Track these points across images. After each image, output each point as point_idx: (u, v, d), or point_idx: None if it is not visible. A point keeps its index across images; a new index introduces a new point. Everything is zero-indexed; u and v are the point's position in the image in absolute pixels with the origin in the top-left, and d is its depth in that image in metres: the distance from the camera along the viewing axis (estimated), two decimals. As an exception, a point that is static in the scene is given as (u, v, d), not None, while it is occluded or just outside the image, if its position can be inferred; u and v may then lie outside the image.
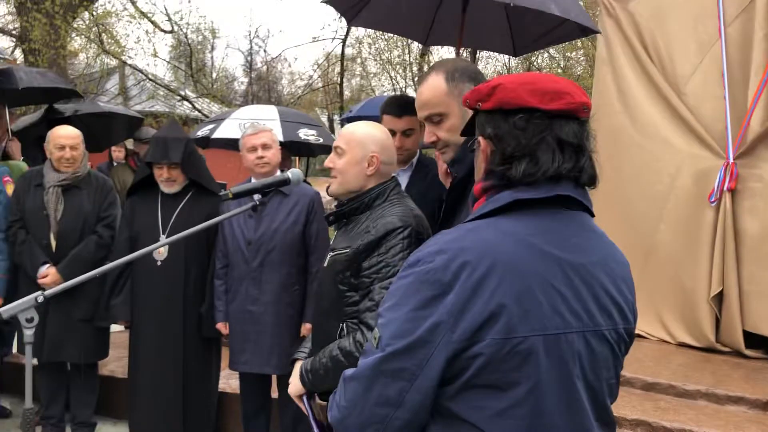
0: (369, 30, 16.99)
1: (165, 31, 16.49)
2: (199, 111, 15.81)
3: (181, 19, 17.09)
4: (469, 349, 1.22)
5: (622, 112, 5.76)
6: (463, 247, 1.25)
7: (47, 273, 3.88)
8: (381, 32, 16.53)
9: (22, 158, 4.99)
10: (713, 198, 5.12)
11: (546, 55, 16.03)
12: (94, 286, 3.84)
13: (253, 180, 3.65)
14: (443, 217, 2.03)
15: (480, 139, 1.40)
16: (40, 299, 1.86)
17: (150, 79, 16.13)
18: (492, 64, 18.12)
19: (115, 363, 4.68)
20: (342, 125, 14.39)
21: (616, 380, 1.40)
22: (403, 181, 2.94)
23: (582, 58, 15.87)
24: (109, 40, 15.37)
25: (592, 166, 1.36)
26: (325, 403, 2.14)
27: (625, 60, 5.75)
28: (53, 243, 3.95)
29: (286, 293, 3.61)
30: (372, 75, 20.69)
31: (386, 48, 18.32)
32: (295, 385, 2.23)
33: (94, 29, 15.02)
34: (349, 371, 1.35)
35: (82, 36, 15.09)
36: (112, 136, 6.64)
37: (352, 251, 2.15)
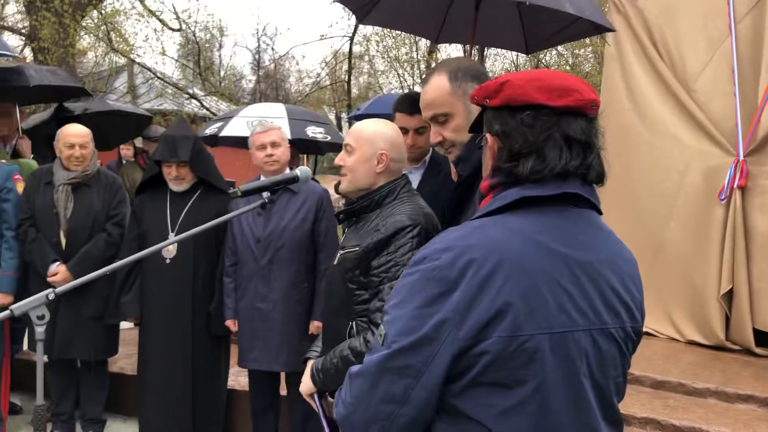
0: (377, 28, 16.98)
1: (173, 30, 16.54)
2: (207, 109, 15.85)
3: (189, 17, 17.18)
4: (475, 347, 1.22)
5: (631, 109, 5.74)
6: (470, 245, 1.25)
7: (57, 271, 3.90)
8: (389, 30, 16.52)
9: (32, 156, 5.01)
10: (723, 195, 5.10)
11: (554, 52, 15.97)
12: (104, 284, 3.86)
13: (262, 178, 3.66)
14: (450, 214, 2.03)
15: (487, 136, 1.40)
16: (51, 296, 1.87)
17: (158, 78, 16.18)
18: (500, 61, 18.10)
19: (125, 360, 4.70)
20: (350, 123, 14.40)
21: (623, 379, 1.39)
22: (416, 179, 2.92)
23: (590, 56, 15.82)
24: (118, 39, 15.43)
25: (600, 164, 1.36)
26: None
27: (634, 57, 5.73)
28: (63, 241, 3.97)
29: (295, 291, 3.61)
30: (380, 73, 20.69)
31: (394, 46, 18.31)
32: (306, 384, 2.24)
33: (102, 28, 15.08)
34: (354, 368, 1.35)
35: (91, 34, 15.15)
36: (121, 134, 6.66)
37: (362, 249, 2.15)
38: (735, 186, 5.06)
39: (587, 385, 1.28)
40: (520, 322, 1.21)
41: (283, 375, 3.82)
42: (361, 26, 16.51)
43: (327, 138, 6.05)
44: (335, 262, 2.30)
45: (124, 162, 7.38)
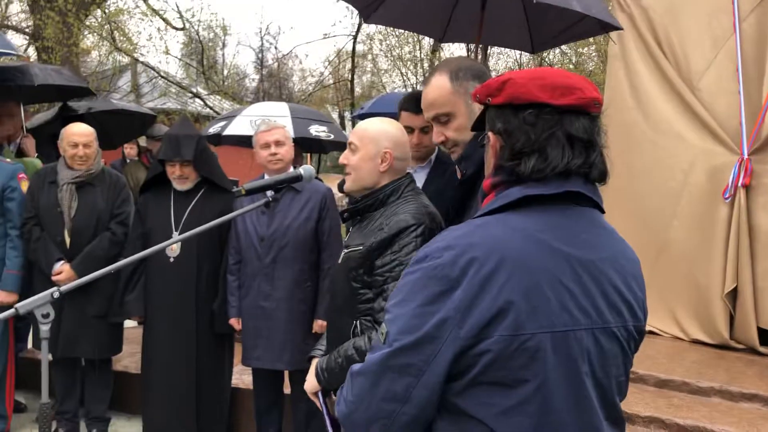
0: (380, 26, 16.99)
1: (176, 29, 16.58)
2: (211, 108, 15.88)
3: (193, 16, 17.23)
4: (476, 346, 1.21)
5: (634, 107, 5.73)
6: (472, 243, 1.25)
7: (61, 270, 3.91)
8: (392, 29, 16.52)
9: (36, 155, 5.02)
10: (727, 194, 5.09)
11: (558, 50, 15.96)
12: (108, 283, 3.87)
13: (266, 176, 3.66)
14: (453, 213, 2.02)
15: (489, 134, 1.39)
16: (56, 295, 1.87)
17: (162, 77, 16.23)
18: (503, 60, 18.09)
19: (129, 359, 4.72)
20: (353, 122, 14.40)
21: (625, 378, 1.39)
22: (422, 178, 2.92)
23: (594, 54, 15.80)
24: (121, 38, 15.47)
25: (602, 162, 1.35)
26: (338, 399, 2.15)
27: (638, 55, 5.72)
28: (67, 240, 3.97)
29: (298, 289, 3.62)
30: (383, 71, 20.71)
31: (397, 44, 18.33)
32: (310, 383, 2.24)
33: (106, 27, 15.12)
34: (356, 366, 1.35)
35: (95, 34, 15.19)
36: (125, 133, 6.68)
37: (366, 248, 2.15)
38: (739, 185, 5.05)
39: (589, 384, 1.28)
40: (522, 321, 1.21)
41: (286, 373, 3.83)
42: (364, 25, 16.51)
43: (330, 137, 6.06)
44: (339, 261, 2.30)
45: (128, 161, 7.39)
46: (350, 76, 17.14)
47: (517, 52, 15.01)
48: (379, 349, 1.29)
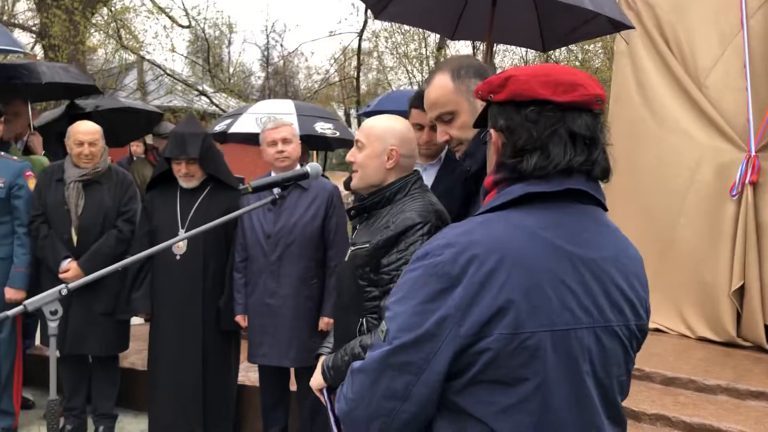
0: (386, 24, 16.97)
1: (182, 27, 16.61)
2: (217, 106, 15.90)
3: (199, 14, 17.25)
4: (476, 344, 1.21)
5: (641, 104, 5.71)
6: (473, 241, 1.24)
7: (69, 267, 3.92)
8: (398, 26, 16.51)
9: (43, 153, 5.04)
10: (735, 191, 5.07)
11: (564, 48, 15.89)
12: (115, 280, 3.88)
13: (273, 174, 3.67)
14: (458, 211, 2.02)
15: (491, 131, 1.39)
16: (64, 292, 1.88)
17: (168, 75, 16.26)
18: (509, 57, 18.04)
19: (136, 356, 4.73)
20: (359, 120, 14.40)
21: (627, 377, 1.38)
22: (432, 175, 2.90)
23: (600, 51, 15.75)
24: (128, 36, 15.51)
25: (605, 160, 1.34)
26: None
27: (645, 52, 5.70)
28: (74, 238, 3.99)
29: (304, 287, 3.62)
30: (388, 69, 20.68)
31: (403, 42, 18.30)
32: (316, 380, 2.24)
33: (112, 25, 15.16)
34: (356, 363, 1.34)
35: (101, 32, 15.23)
36: (132, 131, 6.69)
37: (372, 246, 2.15)
38: (746, 182, 5.03)
39: (590, 383, 1.27)
40: (522, 320, 1.20)
41: (292, 370, 3.83)
42: (369, 22, 16.51)
43: (336, 134, 6.05)
44: (346, 259, 2.31)
45: (134, 159, 7.41)
46: (356, 73, 17.14)
47: (523, 49, 14.98)
48: (379, 346, 1.29)
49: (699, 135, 5.35)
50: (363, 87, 19.39)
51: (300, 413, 3.82)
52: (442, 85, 2.06)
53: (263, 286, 3.65)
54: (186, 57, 19.22)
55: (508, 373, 1.21)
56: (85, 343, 4.01)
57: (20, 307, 1.85)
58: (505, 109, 1.34)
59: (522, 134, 1.30)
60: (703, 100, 5.35)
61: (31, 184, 4.08)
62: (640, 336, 1.38)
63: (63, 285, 1.91)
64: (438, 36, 16.48)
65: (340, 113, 19.60)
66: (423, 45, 18.16)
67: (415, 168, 2.35)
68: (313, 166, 2.47)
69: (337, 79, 19.66)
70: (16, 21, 15.99)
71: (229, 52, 23.53)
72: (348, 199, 5.37)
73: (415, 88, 15.23)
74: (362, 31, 16.32)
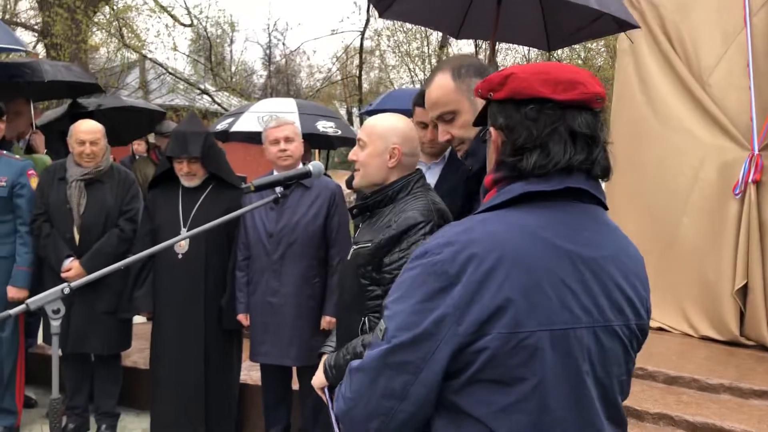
0: (388, 22, 16.96)
1: (184, 25, 16.61)
2: (219, 104, 15.91)
3: (201, 12, 17.26)
4: (474, 343, 1.20)
5: (644, 103, 5.70)
6: (472, 239, 1.24)
7: (71, 266, 3.93)
8: (400, 24, 16.50)
9: (45, 152, 5.04)
10: (738, 190, 5.06)
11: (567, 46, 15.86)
12: (117, 279, 3.88)
13: (275, 173, 3.67)
14: (460, 210, 2.01)
15: (491, 129, 1.38)
16: (67, 291, 1.88)
17: (170, 73, 16.27)
18: (512, 55, 18.03)
19: (138, 354, 4.73)
20: (361, 119, 14.39)
21: (627, 377, 1.37)
22: (436, 174, 2.89)
23: (603, 50, 15.73)
24: (130, 35, 15.52)
25: (605, 158, 1.33)
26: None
27: (648, 51, 5.68)
28: (76, 237, 3.99)
29: (306, 285, 3.62)
30: (391, 67, 20.68)
31: (405, 40, 18.30)
32: (319, 378, 2.24)
33: (114, 23, 15.17)
34: (355, 362, 1.34)
35: (103, 30, 15.24)
36: (135, 130, 6.70)
37: (374, 245, 2.14)
38: (750, 180, 5.02)
39: (590, 383, 1.26)
40: (521, 319, 1.19)
41: (294, 369, 3.83)
42: (372, 21, 16.51)
43: (338, 132, 6.05)
44: (348, 258, 2.30)
45: (137, 157, 7.42)
46: (358, 72, 17.12)
47: (526, 47, 14.95)
48: (377, 345, 1.28)
49: (702, 134, 5.33)
50: (365, 86, 19.40)
51: (302, 412, 3.82)
52: (442, 84, 2.05)
53: (265, 285, 3.65)
54: (188, 55, 19.22)
55: (507, 373, 1.21)
56: (88, 341, 4.01)
57: (23, 306, 1.85)
58: (505, 108, 1.33)
59: (522, 132, 1.30)
60: (706, 98, 5.34)
61: (34, 182, 4.08)
62: (640, 336, 1.37)
63: (65, 284, 1.90)
64: (440, 34, 16.48)
65: (342, 112, 19.61)
66: (425, 43, 18.16)
67: (417, 167, 2.34)
68: (315, 164, 2.46)
69: (339, 77, 19.66)
70: (18, 20, 16.00)
71: (231, 51, 23.55)
72: (350, 197, 5.37)
73: (417, 86, 15.22)
74: (364, 29, 16.31)
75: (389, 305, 1.29)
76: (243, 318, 3.76)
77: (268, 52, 23.32)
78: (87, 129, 4.02)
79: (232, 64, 22.72)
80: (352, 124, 16.52)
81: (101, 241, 3.98)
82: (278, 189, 2.52)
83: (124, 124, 6.12)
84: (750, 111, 5.08)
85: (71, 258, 3.95)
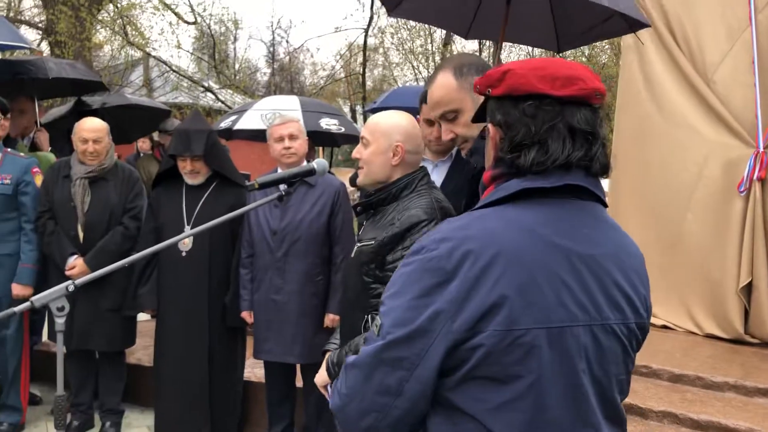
0: (391, 20, 16.95)
1: (188, 23, 16.62)
2: (223, 102, 15.91)
3: (204, 10, 17.26)
4: (469, 340, 1.19)
5: (648, 100, 5.68)
6: (468, 236, 1.23)
7: (75, 264, 3.94)
8: (403, 22, 16.48)
9: (49, 149, 5.05)
10: (742, 187, 5.04)
11: (571, 43, 15.81)
12: (121, 277, 3.89)
13: (280, 170, 3.67)
14: (464, 207, 2.01)
15: (490, 126, 1.37)
16: (71, 288, 1.88)
17: (174, 71, 16.27)
18: (515, 52, 17.98)
19: (142, 351, 4.74)
20: (365, 116, 14.38)
21: (626, 376, 1.35)
22: (442, 172, 2.88)
23: (607, 46, 15.69)
24: (133, 32, 15.52)
25: (604, 155, 1.32)
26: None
27: (653, 47, 5.66)
28: (80, 234, 4.00)
29: (310, 283, 3.62)
30: (394, 65, 20.65)
31: (409, 38, 18.28)
32: (321, 376, 2.24)
33: (118, 21, 15.18)
34: (350, 358, 1.33)
35: (107, 28, 15.25)
36: (140, 127, 6.70)
37: (377, 243, 2.14)
38: (754, 178, 5.00)
39: (586, 381, 1.25)
40: (516, 316, 1.19)
41: (298, 366, 3.83)
42: (375, 18, 16.50)
43: (341, 130, 6.04)
44: (352, 255, 2.30)
45: (141, 155, 7.43)
46: (362, 69, 17.10)
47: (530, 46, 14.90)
48: (373, 341, 1.28)
49: (707, 131, 5.32)
50: (369, 83, 19.37)
51: (306, 409, 3.83)
52: (444, 83, 2.05)
53: (269, 283, 3.65)
54: (192, 53, 19.23)
55: (502, 370, 1.20)
56: (92, 339, 4.02)
57: (27, 304, 1.85)
58: (503, 104, 1.33)
59: (520, 129, 1.29)
60: (710, 95, 5.32)
61: (38, 180, 4.09)
62: (640, 335, 1.35)
63: (70, 281, 1.91)
64: (444, 32, 16.46)
65: (346, 109, 19.60)
66: (429, 41, 18.14)
67: (422, 164, 2.34)
68: (319, 162, 2.46)
69: (342, 75, 19.64)
70: (22, 17, 16.01)
71: (234, 49, 23.54)
72: (354, 195, 5.36)
73: (422, 84, 15.21)
74: (368, 26, 16.29)
75: (385, 301, 1.29)
76: (247, 315, 3.76)
77: (271, 49, 23.32)
78: (90, 127, 4.03)
79: (236, 61, 22.72)
80: (355, 121, 16.52)
81: (105, 239, 3.99)
82: (282, 186, 2.51)
83: (128, 122, 6.12)
84: (755, 108, 5.06)
85: (75, 256, 3.96)
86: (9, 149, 4.13)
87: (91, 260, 3.92)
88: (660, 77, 5.62)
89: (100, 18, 14.44)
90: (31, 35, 15.26)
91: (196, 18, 16.63)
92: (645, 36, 5.65)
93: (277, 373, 3.82)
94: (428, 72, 18.51)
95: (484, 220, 1.27)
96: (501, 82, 1.32)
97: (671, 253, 5.34)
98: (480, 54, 16.02)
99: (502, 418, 1.21)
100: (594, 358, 1.26)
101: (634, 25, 3.66)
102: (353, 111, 19.34)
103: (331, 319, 3.61)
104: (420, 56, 18.77)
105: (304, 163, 3.65)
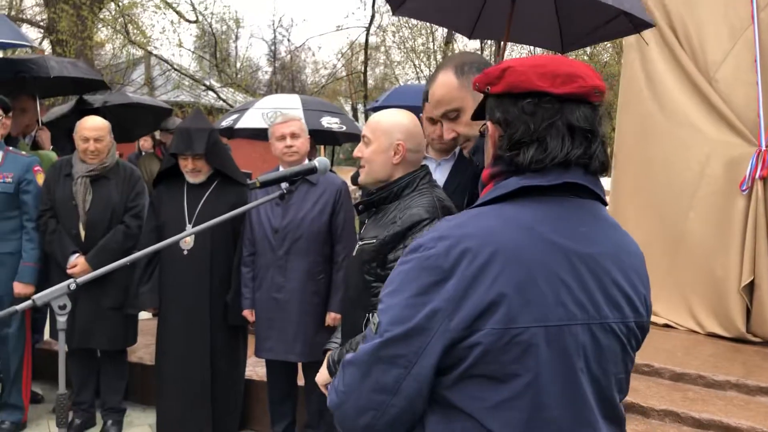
0: (393, 18, 16.95)
1: (190, 21, 16.63)
2: (224, 101, 15.92)
3: (206, 9, 17.27)
4: (467, 339, 1.19)
5: (650, 99, 5.68)
6: (466, 234, 1.22)
7: (76, 263, 3.94)
8: (405, 20, 16.48)
9: (51, 148, 5.05)
10: (744, 186, 5.04)
11: (572, 42, 15.80)
12: (123, 275, 3.89)
13: (281, 169, 3.67)
14: (467, 206, 2.00)
15: (489, 123, 1.36)
16: (73, 287, 1.88)
17: (175, 69, 16.28)
18: (517, 52, 17.97)
19: (144, 350, 4.75)
20: (366, 115, 14.38)
21: (625, 375, 1.35)
22: (446, 171, 2.88)
23: (609, 45, 15.67)
24: (135, 31, 15.53)
25: (603, 153, 1.31)
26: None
27: (655, 46, 5.65)
28: (82, 233, 4.00)
29: (311, 281, 3.62)
30: (396, 63, 20.66)
31: (410, 36, 18.29)
32: (322, 374, 2.24)
33: (120, 20, 15.18)
34: (348, 356, 1.33)
35: (109, 27, 15.26)
36: (141, 126, 6.70)
37: (379, 242, 2.14)
38: (757, 177, 5.00)
39: (584, 380, 1.24)
40: (514, 315, 1.18)
41: (300, 365, 3.83)
42: (377, 17, 16.50)
43: (342, 128, 6.03)
44: (354, 254, 2.30)
45: (142, 154, 7.43)
46: (363, 68, 17.10)
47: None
48: (371, 339, 1.27)
49: (709, 129, 5.31)
50: (370, 82, 19.36)
51: (307, 408, 3.83)
52: (446, 82, 2.04)
53: (270, 281, 3.65)
54: (193, 52, 19.23)
55: (500, 369, 1.19)
56: (93, 337, 4.02)
57: (29, 302, 1.85)
58: (502, 101, 1.32)
59: (519, 127, 1.28)
60: (713, 94, 5.31)
61: (40, 179, 4.09)
62: (639, 334, 1.35)
63: (71, 279, 1.91)
64: (445, 30, 16.44)
65: (347, 108, 19.62)
66: (430, 39, 18.14)
67: (424, 163, 2.33)
68: (321, 160, 2.46)
69: (344, 73, 19.65)
70: (24, 16, 16.03)
71: (236, 47, 23.57)
72: (356, 194, 5.36)
73: (423, 82, 15.19)
74: (369, 25, 16.29)
75: (383, 298, 1.28)
76: (248, 314, 3.76)
77: (273, 48, 23.35)
78: (91, 126, 4.03)
79: (237, 60, 22.75)
80: (357, 120, 16.52)
81: (107, 238, 3.99)
82: (284, 185, 2.51)
83: (130, 120, 6.12)
84: (757, 107, 5.06)
85: (77, 254, 3.96)
86: (11, 148, 4.13)
87: (93, 259, 3.92)
88: (662, 76, 5.62)
89: (101, 16, 14.45)
90: (32, 34, 15.27)
91: (197, 16, 16.65)
92: (647, 34, 5.64)
93: (279, 372, 3.82)
94: (430, 70, 18.50)
95: (482, 218, 1.26)
96: (500, 80, 1.32)
97: (673, 252, 5.34)
98: (481, 53, 16.01)
99: (499, 417, 1.21)
100: (592, 356, 1.25)
101: (639, 25, 3.64)
102: (354, 109, 19.35)
103: (332, 317, 3.61)
104: (421, 55, 18.78)
105: (306, 161, 3.65)
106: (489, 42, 15.51)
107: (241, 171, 4.07)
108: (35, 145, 4.99)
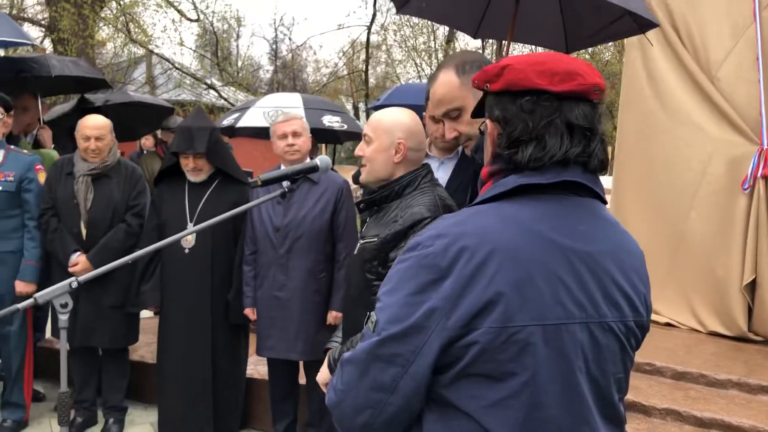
0: (394, 17, 16.94)
1: (191, 20, 16.63)
2: (225, 99, 15.93)
3: (207, 7, 17.29)
4: (464, 337, 1.19)
5: (652, 97, 5.67)
6: (463, 232, 1.22)
7: (77, 261, 3.94)
8: (406, 19, 16.47)
9: (52, 146, 5.05)
10: (746, 185, 5.03)
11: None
12: (124, 274, 3.89)
13: (283, 167, 3.67)
14: (469, 204, 2.00)
15: (487, 121, 1.36)
16: (74, 285, 1.88)
17: (177, 68, 16.29)
18: (518, 51, 17.96)
19: (145, 348, 4.75)
20: (367, 114, 14.38)
21: (624, 375, 1.34)
22: (448, 169, 2.88)
23: (610, 43, 15.65)
24: (136, 30, 15.55)
25: (603, 151, 1.30)
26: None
27: (657, 44, 5.65)
28: (83, 231, 4.00)
29: (313, 280, 3.62)
30: (397, 62, 20.66)
31: (412, 35, 18.29)
32: (323, 373, 2.24)
33: (121, 19, 15.20)
34: (347, 354, 1.32)
35: (110, 25, 15.27)
36: (143, 125, 6.70)
37: (380, 241, 2.14)
38: (759, 175, 4.99)
39: (582, 379, 1.24)
40: (512, 313, 1.17)
41: (301, 363, 3.84)
42: (378, 15, 16.49)
43: (344, 127, 6.04)
44: (355, 252, 2.30)
45: (144, 152, 7.43)
46: (364, 66, 17.10)
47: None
48: (369, 337, 1.27)
49: (711, 128, 5.30)
50: (371, 80, 19.36)
51: (309, 406, 3.83)
52: (447, 81, 2.04)
53: (272, 279, 3.65)
54: (194, 51, 19.25)
55: (497, 368, 1.19)
56: (95, 335, 4.02)
57: (30, 300, 1.85)
58: (501, 99, 1.31)
59: (517, 125, 1.27)
60: (715, 92, 5.31)
61: (42, 177, 4.10)
62: (639, 333, 1.34)
63: (73, 278, 1.91)
64: (447, 29, 16.44)
65: (349, 107, 19.62)
66: (432, 38, 18.13)
67: (428, 161, 2.33)
68: (322, 158, 2.46)
69: (345, 72, 19.65)
70: (25, 15, 16.04)
71: (237, 46, 23.57)
72: (357, 192, 5.36)
73: (424, 81, 15.19)
74: (371, 24, 16.30)
75: (381, 297, 1.28)
76: (250, 312, 3.76)
77: (274, 47, 23.34)
78: (92, 124, 4.03)
79: (239, 59, 22.75)
80: (358, 118, 16.52)
81: (108, 236, 3.99)
82: (285, 183, 2.51)
83: (131, 119, 6.12)
84: (759, 105, 5.06)
85: (78, 253, 3.96)
86: (12, 146, 4.13)
87: (94, 257, 3.92)
88: (664, 74, 5.61)
89: (102, 15, 14.46)
90: (34, 32, 15.29)
91: (198, 15, 16.65)
92: (650, 34, 5.64)
93: (280, 370, 3.82)
94: (431, 69, 18.49)
95: (480, 217, 1.26)
96: (499, 78, 1.31)
97: (675, 251, 5.33)
98: (483, 51, 15.99)
99: (497, 416, 1.20)
100: (591, 356, 1.25)
101: (644, 25, 3.63)
102: (356, 108, 19.35)
103: (333, 316, 3.61)
104: (423, 53, 18.77)
105: (307, 160, 3.65)
106: (490, 41, 15.50)
107: (242, 170, 4.07)
108: (37, 144, 4.99)
